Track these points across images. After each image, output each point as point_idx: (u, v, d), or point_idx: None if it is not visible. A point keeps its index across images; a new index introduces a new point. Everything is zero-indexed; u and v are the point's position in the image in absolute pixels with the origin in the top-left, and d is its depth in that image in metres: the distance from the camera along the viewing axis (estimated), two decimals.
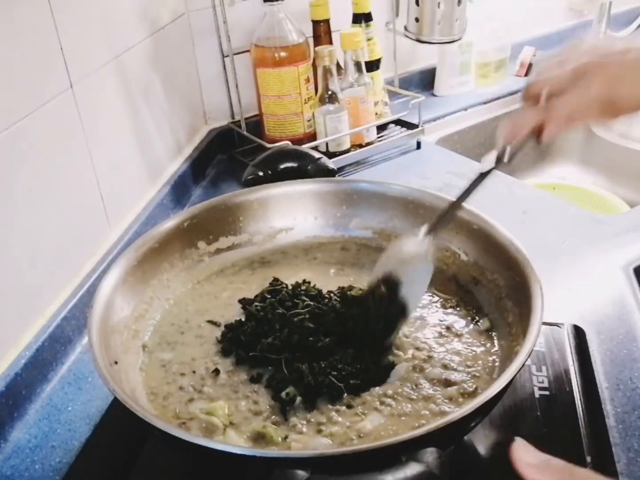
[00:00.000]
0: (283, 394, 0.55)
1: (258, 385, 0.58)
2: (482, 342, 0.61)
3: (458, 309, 0.66)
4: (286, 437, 0.52)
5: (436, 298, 0.68)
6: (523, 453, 0.36)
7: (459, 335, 0.62)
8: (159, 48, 1.04)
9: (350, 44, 1.11)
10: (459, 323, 0.64)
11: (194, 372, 0.60)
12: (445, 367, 0.59)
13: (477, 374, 0.58)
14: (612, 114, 0.61)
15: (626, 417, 0.60)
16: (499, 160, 0.61)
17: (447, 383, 0.57)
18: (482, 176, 0.62)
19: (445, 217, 0.63)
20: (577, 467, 0.35)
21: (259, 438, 0.52)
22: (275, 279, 0.70)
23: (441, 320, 0.65)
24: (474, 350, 0.61)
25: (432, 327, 0.64)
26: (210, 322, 0.66)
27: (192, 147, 1.18)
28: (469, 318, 0.65)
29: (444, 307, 0.67)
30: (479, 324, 0.64)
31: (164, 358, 0.62)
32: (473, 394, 0.55)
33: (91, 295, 0.59)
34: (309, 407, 0.55)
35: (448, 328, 0.64)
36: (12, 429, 0.65)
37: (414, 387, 0.56)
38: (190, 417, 0.55)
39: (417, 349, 0.61)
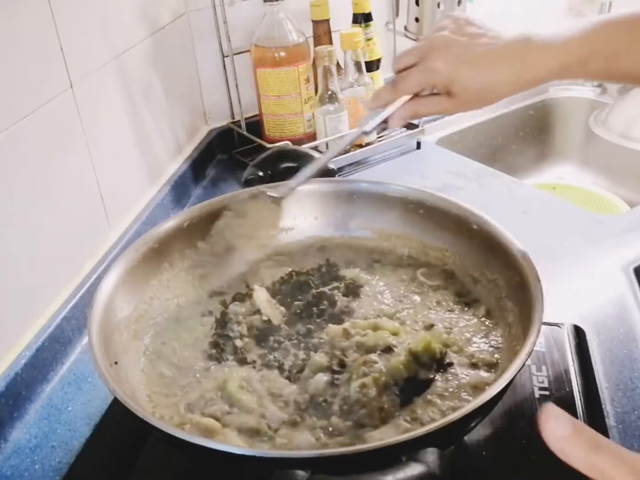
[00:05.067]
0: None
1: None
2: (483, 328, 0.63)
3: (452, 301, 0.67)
4: (277, 430, 0.52)
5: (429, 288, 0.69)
6: (553, 422, 0.34)
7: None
8: (159, 48, 1.04)
9: (350, 44, 1.11)
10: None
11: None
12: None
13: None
14: (454, 100, 0.63)
15: (626, 417, 0.60)
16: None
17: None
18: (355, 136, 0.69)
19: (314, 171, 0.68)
20: (605, 439, 0.33)
21: (254, 433, 0.53)
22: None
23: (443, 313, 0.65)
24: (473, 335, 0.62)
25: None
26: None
27: (192, 147, 1.18)
28: (463, 305, 0.66)
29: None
30: (475, 311, 0.65)
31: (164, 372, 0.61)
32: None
33: (91, 295, 0.59)
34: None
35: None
36: (12, 429, 0.65)
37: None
38: (190, 420, 0.55)
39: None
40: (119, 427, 0.62)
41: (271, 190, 0.69)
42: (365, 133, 0.68)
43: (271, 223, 0.70)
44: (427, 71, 0.63)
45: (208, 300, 0.70)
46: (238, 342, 0.62)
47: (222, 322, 0.65)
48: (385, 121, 0.67)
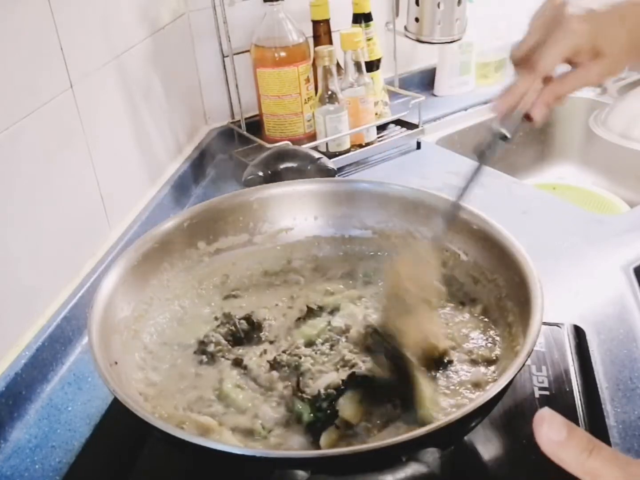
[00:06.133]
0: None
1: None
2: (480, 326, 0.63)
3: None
4: (271, 431, 0.53)
5: None
6: (547, 426, 0.33)
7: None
8: (159, 48, 1.04)
9: (350, 44, 1.11)
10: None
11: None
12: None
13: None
14: (602, 62, 0.57)
15: (626, 417, 0.60)
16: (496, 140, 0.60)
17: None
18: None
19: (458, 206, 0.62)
20: (601, 443, 0.33)
21: (248, 433, 0.53)
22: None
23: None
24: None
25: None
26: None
27: (192, 147, 1.18)
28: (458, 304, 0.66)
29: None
30: (472, 309, 0.65)
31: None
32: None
33: (91, 295, 0.59)
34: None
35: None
36: (12, 429, 0.65)
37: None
38: (188, 417, 0.55)
39: None
40: (119, 427, 0.63)
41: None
42: (507, 140, 0.60)
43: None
44: (568, 37, 0.56)
45: (208, 300, 0.70)
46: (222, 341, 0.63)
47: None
48: (526, 117, 0.59)
